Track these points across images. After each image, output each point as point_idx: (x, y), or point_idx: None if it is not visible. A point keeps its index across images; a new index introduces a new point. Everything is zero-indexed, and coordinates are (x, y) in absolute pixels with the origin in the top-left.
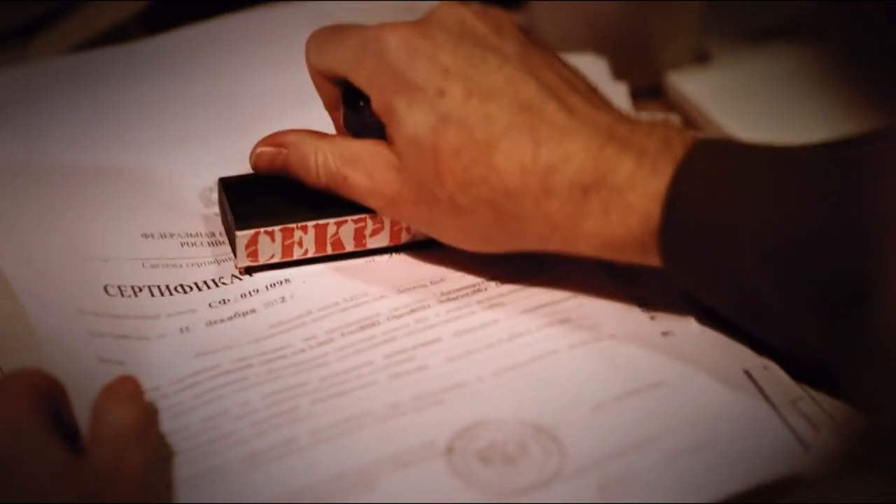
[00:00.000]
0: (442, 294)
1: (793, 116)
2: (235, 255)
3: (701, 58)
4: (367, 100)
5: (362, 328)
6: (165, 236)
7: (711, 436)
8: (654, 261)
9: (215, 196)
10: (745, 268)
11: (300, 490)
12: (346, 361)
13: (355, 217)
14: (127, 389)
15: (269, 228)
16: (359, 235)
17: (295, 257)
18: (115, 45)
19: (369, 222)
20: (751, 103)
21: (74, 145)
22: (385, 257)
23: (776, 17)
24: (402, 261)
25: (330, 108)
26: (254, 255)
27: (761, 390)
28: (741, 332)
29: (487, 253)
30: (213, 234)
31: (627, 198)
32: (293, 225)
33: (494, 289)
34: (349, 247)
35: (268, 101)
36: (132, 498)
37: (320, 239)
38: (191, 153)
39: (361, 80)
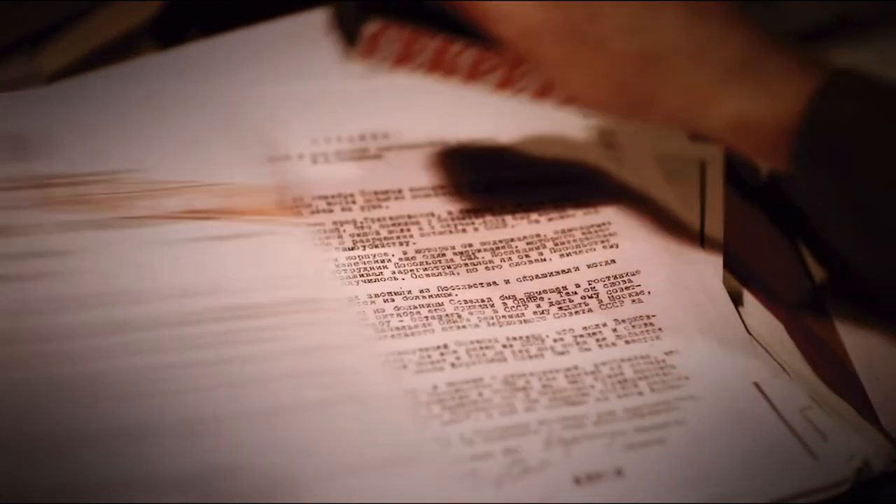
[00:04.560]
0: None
1: None
2: (351, 44)
3: None
4: None
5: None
6: None
7: (721, 450)
8: (777, 158)
9: None
10: (871, 191)
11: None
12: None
13: (480, 45)
14: None
15: (401, 26)
16: (475, 66)
17: (405, 68)
18: (123, 54)
19: (490, 56)
20: None
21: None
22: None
23: (785, 30)
24: None
25: None
26: (371, 50)
27: (770, 402)
28: (748, 341)
29: (600, 113)
30: None
31: (776, 86)
32: (423, 29)
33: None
34: (461, 74)
35: (274, 112)
36: None
37: (439, 55)
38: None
39: None
